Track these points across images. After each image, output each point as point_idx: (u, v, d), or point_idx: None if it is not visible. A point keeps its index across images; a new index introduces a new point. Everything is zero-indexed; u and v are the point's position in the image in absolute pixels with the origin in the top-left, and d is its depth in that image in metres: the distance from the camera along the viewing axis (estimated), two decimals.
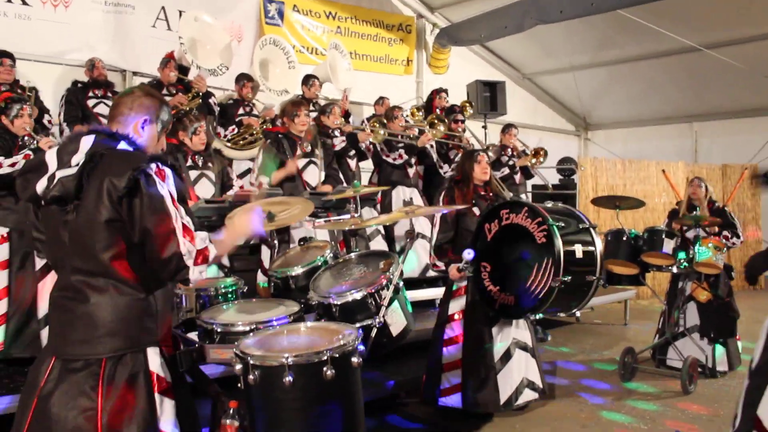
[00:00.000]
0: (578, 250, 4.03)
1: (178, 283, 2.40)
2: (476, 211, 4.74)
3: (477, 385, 4.50)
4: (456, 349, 4.62)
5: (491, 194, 4.89)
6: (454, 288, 4.74)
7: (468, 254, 4.04)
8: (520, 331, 4.70)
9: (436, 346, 4.72)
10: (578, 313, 4.28)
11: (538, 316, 4.25)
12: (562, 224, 4.03)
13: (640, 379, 5.80)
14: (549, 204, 4.27)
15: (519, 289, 4.13)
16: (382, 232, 6.82)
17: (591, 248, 4.12)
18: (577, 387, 5.59)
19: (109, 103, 6.16)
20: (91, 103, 6.44)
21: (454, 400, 4.57)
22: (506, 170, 7.76)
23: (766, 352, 2.83)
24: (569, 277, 3.90)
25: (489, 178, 4.90)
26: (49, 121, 5.68)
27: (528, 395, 4.65)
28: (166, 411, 2.28)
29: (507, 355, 4.59)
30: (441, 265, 4.85)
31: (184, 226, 2.20)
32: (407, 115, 7.84)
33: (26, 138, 4.83)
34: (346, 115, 7.57)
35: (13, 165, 4.67)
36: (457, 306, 4.69)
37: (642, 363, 6.01)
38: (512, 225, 4.21)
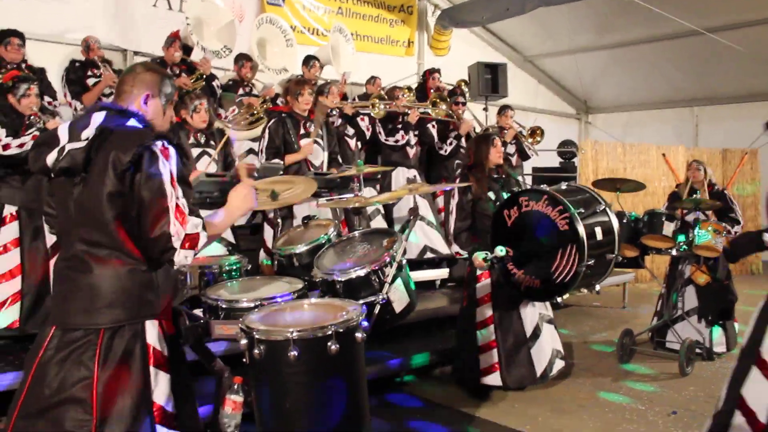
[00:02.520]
0: (598, 232, 4.13)
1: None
2: (491, 195, 4.77)
3: (514, 363, 4.73)
4: (489, 331, 4.78)
5: (503, 176, 4.93)
6: (478, 272, 4.83)
7: (500, 251, 4.10)
8: (543, 306, 4.96)
9: (469, 330, 4.86)
10: (598, 287, 4.38)
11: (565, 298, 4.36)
12: (582, 210, 4.10)
13: (638, 360, 5.85)
14: (564, 186, 4.33)
15: (544, 273, 4.22)
16: (383, 211, 6.84)
17: (609, 228, 4.23)
18: (575, 368, 5.64)
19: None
20: (90, 81, 6.41)
21: (493, 379, 4.75)
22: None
23: (755, 333, 2.88)
24: (593, 261, 4.01)
25: (501, 161, 4.95)
26: (50, 103, 5.65)
27: (559, 365, 4.94)
28: (161, 384, 2.31)
29: (537, 331, 4.82)
30: (464, 253, 4.91)
31: (177, 207, 2.22)
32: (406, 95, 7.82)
33: (33, 117, 4.86)
34: (344, 97, 7.55)
35: (21, 146, 4.70)
36: (483, 288, 4.82)
37: (640, 345, 6.05)
38: (532, 211, 4.26)
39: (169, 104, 2.52)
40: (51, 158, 2.24)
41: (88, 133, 2.24)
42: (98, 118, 2.29)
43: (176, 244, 2.21)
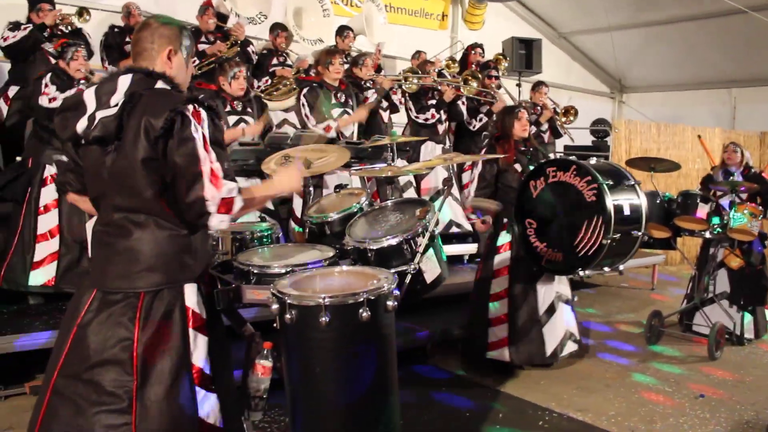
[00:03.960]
0: (626, 207, 4.09)
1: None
2: (517, 167, 4.74)
3: (523, 339, 4.68)
4: (501, 304, 4.74)
5: (531, 149, 4.88)
6: (499, 244, 4.78)
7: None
8: (561, 285, 4.86)
9: (481, 301, 4.84)
10: (622, 267, 4.33)
11: (586, 273, 4.29)
12: (611, 182, 4.06)
13: (666, 342, 5.80)
14: (593, 161, 4.28)
15: (567, 246, 4.21)
16: (415, 184, 6.81)
17: (637, 205, 4.19)
18: (602, 348, 5.62)
19: None
20: (129, 48, 6.43)
21: (500, 354, 4.72)
22: (533, 129, 7.67)
23: None
24: (618, 235, 3.97)
25: (528, 135, 4.88)
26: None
27: (570, 347, 4.86)
28: (200, 346, 2.32)
29: (551, 309, 4.74)
30: (474, 218, 4.88)
31: (212, 171, 2.17)
32: (443, 68, 7.73)
33: (82, 81, 5.00)
34: (378, 69, 7.49)
35: None
36: (501, 261, 4.77)
37: (669, 327, 5.99)
38: (559, 182, 4.22)
39: (189, 57, 2.45)
40: (81, 126, 2.21)
41: (117, 98, 2.21)
42: (125, 81, 2.24)
43: (211, 208, 2.17)
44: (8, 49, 5.65)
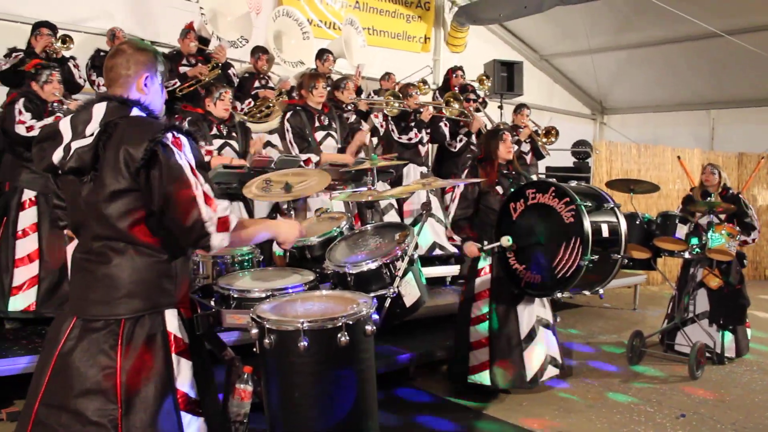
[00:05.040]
0: (604, 229, 4.12)
1: (198, 250, 2.40)
2: (499, 189, 4.77)
3: (504, 363, 4.65)
4: (483, 328, 4.73)
5: (513, 172, 4.91)
6: (479, 267, 4.80)
7: (507, 241, 4.11)
8: (543, 308, 4.86)
9: (463, 325, 4.84)
10: (601, 291, 4.35)
11: (564, 295, 4.30)
12: (589, 204, 4.09)
13: (648, 362, 5.83)
14: (573, 183, 4.32)
15: (545, 268, 4.22)
16: (396, 206, 6.85)
17: (616, 227, 4.21)
18: (584, 368, 5.63)
19: None
20: None
21: (482, 378, 4.71)
22: (515, 148, 7.74)
23: None
24: (596, 256, 3.98)
25: (512, 157, 4.92)
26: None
27: (551, 371, 4.83)
28: (183, 371, 2.31)
29: (532, 333, 4.72)
30: (457, 239, 4.89)
31: (204, 193, 2.20)
32: (424, 91, 7.82)
33: (56, 104, 4.93)
34: (358, 91, 7.55)
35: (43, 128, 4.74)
36: (482, 284, 4.78)
37: (650, 347, 6.03)
38: (538, 204, 4.26)
39: (163, 80, 2.45)
40: (57, 156, 2.21)
41: (93, 128, 2.20)
42: (100, 110, 2.23)
43: (211, 228, 2.19)
44: (2, 76, 5.62)
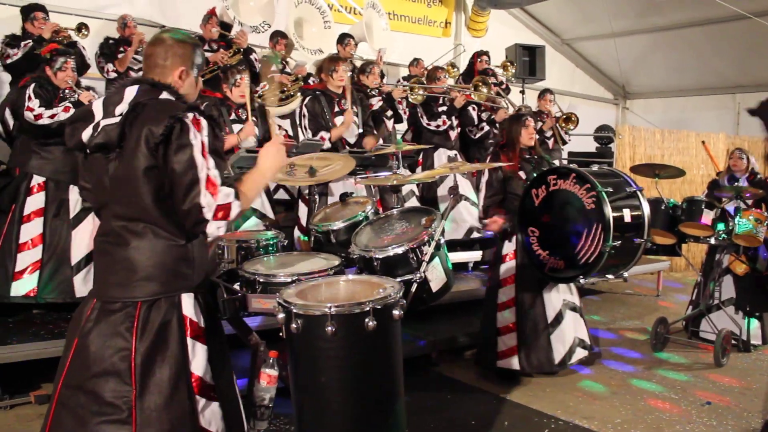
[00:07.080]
0: (626, 214, 4.09)
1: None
2: (522, 174, 4.74)
3: (532, 347, 4.69)
4: (510, 313, 4.76)
5: (536, 157, 4.88)
6: (504, 253, 4.81)
7: None
8: (569, 292, 4.88)
9: (490, 311, 4.86)
10: (626, 274, 4.33)
11: (588, 280, 4.29)
12: (611, 189, 4.07)
13: (672, 349, 5.78)
14: (595, 168, 4.29)
15: (568, 254, 4.21)
16: (417, 193, 6.81)
17: (639, 212, 4.18)
18: (608, 355, 5.59)
19: (140, 59, 6.14)
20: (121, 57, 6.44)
21: (510, 363, 4.72)
22: (536, 135, 7.67)
23: None
24: (619, 242, 3.97)
25: (534, 143, 4.89)
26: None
27: (579, 353, 4.86)
28: (198, 355, 2.31)
29: (559, 317, 4.75)
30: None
31: (208, 178, 2.19)
32: (454, 76, 7.76)
33: (67, 91, 4.93)
34: (381, 75, 7.51)
35: (52, 117, 4.74)
36: (507, 270, 4.79)
37: (674, 334, 5.97)
38: (560, 190, 4.24)
39: (200, 74, 2.47)
40: (86, 134, 2.24)
41: (122, 108, 2.23)
42: (131, 92, 2.27)
43: (208, 215, 2.19)
44: (10, 67, 5.61)
